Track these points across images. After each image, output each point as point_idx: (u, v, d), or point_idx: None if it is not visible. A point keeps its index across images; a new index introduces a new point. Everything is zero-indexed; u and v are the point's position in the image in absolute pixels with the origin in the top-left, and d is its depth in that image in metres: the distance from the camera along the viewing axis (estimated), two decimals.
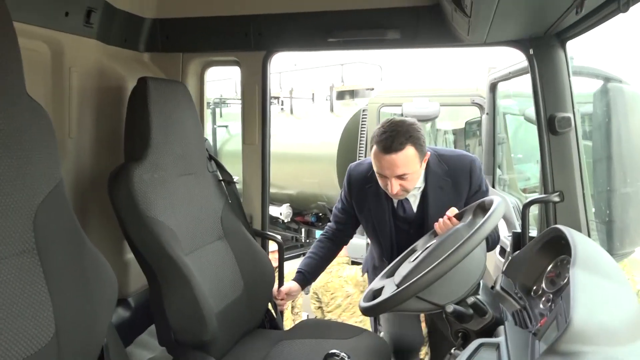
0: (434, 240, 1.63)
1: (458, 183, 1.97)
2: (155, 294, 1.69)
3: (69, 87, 1.76)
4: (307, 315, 4.41)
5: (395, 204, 2.03)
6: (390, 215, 2.04)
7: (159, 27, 2.18)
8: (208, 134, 7.12)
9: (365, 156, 5.21)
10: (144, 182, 1.67)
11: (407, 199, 2.01)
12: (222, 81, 7.35)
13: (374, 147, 1.84)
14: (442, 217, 1.77)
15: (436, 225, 1.78)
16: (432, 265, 1.26)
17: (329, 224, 2.26)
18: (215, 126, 7.29)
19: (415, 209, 2.03)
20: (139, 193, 1.64)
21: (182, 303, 1.64)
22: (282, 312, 2.29)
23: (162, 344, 1.66)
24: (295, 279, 2.15)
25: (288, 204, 6.46)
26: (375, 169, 1.89)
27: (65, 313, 1.20)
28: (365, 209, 2.07)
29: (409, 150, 1.80)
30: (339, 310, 4.20)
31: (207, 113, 7.14)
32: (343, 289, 4.24)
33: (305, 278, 2.15)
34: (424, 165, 1.91)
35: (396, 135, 1.79)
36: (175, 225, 1.73)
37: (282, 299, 2.13)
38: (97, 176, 1.87)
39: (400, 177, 1.84)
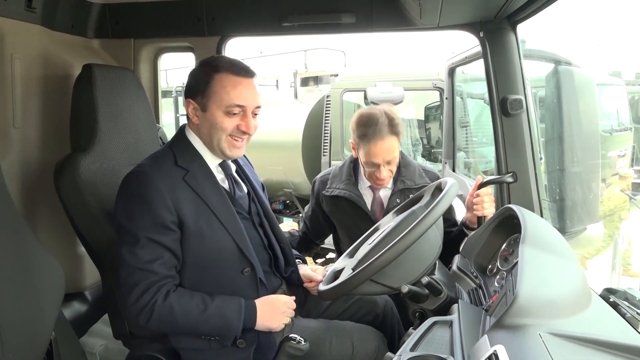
0: (394, 221, 1.63)
1: None
2: (108, 287, 1.65)
3: (12, 75, 1.69)
4: None
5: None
6: None
7: (108, 12, 2.11)
8: (170, 123, 6.96)
9: (330, 142, 5.21)
10: (91, 172, 1.61)
11: None
12: (186, 69, 7.17)
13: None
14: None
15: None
16: (384, 249, 1.27)
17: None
18: (178, 115, 7.13)
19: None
20: (87, 184, 1.59)
21: None
22: None
23: (117, 337, 1.62)
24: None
25: None
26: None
27: (6, 307, 1.16)
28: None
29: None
30: None
31: (169, 102, 7.04)
32: None
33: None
34: None
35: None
36: None
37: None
38: (45, 168, 1.80)
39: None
